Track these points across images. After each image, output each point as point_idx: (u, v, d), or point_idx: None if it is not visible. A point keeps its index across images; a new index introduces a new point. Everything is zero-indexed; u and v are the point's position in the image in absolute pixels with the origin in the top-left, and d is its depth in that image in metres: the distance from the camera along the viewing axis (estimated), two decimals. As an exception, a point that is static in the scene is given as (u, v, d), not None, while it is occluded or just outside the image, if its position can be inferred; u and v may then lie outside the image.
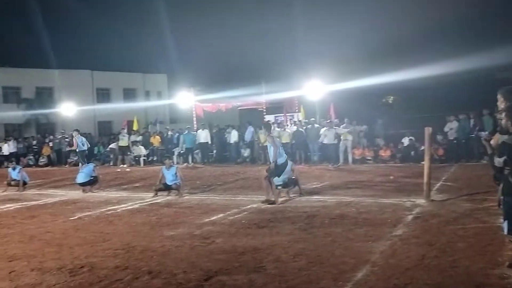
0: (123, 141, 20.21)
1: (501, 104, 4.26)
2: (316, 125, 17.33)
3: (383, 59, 28.11)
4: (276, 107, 22.42)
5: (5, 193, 11.80)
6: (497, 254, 4.59)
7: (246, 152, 18.88)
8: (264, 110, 22.14)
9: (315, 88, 19.63)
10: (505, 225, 3.95)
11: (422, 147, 14.30)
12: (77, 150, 17.91)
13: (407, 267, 4.34)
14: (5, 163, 20.33)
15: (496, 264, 4.30)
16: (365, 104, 28.32)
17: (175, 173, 9.93)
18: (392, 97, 37.14)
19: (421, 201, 7.77)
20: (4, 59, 35.30)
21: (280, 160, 8.49)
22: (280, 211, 7.53)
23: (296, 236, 5.76)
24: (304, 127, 17.56)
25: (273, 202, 8.23)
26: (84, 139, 18.35)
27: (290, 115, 21.11)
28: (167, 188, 9.95)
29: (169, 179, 9.92)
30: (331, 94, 20.34)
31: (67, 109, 29.11)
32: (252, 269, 4.51)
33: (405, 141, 16.13)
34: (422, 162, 8.43)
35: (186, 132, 19.54)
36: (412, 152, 15.45)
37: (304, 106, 20.71)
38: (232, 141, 19.12)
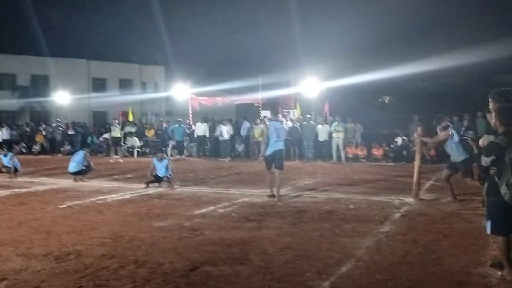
0: (115, 132, 20.22)
1: (492, 106, 4.32)
2: (312, 122, 17.39)
3: (379, 56, 28.20)
4: (272, 103, 22.42)
5: (-4, 179, 11.75)
6: (480, 253, 4.66)
7: (240, 147, 18.92)
8: (261, 106, 22.18)
9: (312, 85, 19.67)
10: (488, 224, 4.00)
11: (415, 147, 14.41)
12: None
13: (390, 263, 4.38)
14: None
15: (479, 263, 4.35)
16: (361, 103, 28.43)
17: (167, 165, 9.93)
18: (388, 97, 37.25)
19: (409, 199, 7.83)
20: (0, 46, 35.05)
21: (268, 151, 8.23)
22: (270, 206, 7.57)
23: (285, 230, 5.80)
24: (299, 124, 17.62)
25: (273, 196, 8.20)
26: None
27: (286, 111, 21.13)
28: (158, 180, 9.95)
29: (160, 171, 9.92)
30: (327, 91, 20.42)
31: (62, 98, 28.96)
32: (238, 261, 4.54)
33: (398, 140, 16.22)
34: (414, 162, 8.48)
35: (177, 125, 19.62)
36: (405, 152, 15.54)
37: (300, 103, 20.74)
38: (226, 136, 19.12)
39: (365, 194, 8.72)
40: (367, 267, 4.29)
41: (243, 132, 18.80)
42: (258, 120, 18.54)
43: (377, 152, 16.29)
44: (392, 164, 15.19)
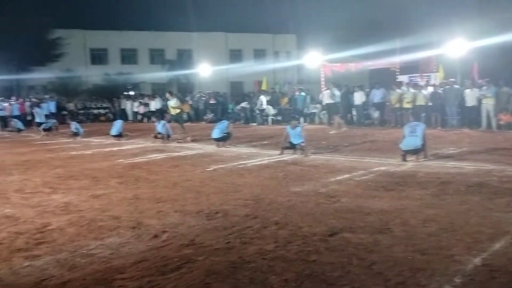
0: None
1: None
2: (456, 86, 15.90)
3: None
4: (410, 67, 21.01)
5: (152, 144, 13.31)
6: None
7: (375, 114, 18.25)
8: (398, 70, 20.95)
9: (457, 45, 17.81)
10: None
11: None
12: None
13: (557, 244, 3.88)
14: (152, 118, 22.84)
15: None
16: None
17: (300, 133, 10.09)
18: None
19: None
20: (150, 24, 38.86)
21: None
22: (410, 176, 7.22)
23: (427, 202, 5.50)
24: (442, 88, 16.23)
25: None
26: None
27: (427, 76, 19.61)
28: (292, 146, 10.17)
29: (294, 138, 10.13)
30: (476, 51, 18.27)
31: (204, 70, 31.11)
32: (378, 230, 4.46)
33: None
34: None
35: (297, 93, 20.47)
36: None
37: (443, 65, 19.04)
38: (358, 102, 18.57)
39: (523, 166, 7.75)
40: (527, 245, 3.87)
41: (375, 98, 18.05)
42: (394, 85, 17.59)
43: (538, 119, 14.25)
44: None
